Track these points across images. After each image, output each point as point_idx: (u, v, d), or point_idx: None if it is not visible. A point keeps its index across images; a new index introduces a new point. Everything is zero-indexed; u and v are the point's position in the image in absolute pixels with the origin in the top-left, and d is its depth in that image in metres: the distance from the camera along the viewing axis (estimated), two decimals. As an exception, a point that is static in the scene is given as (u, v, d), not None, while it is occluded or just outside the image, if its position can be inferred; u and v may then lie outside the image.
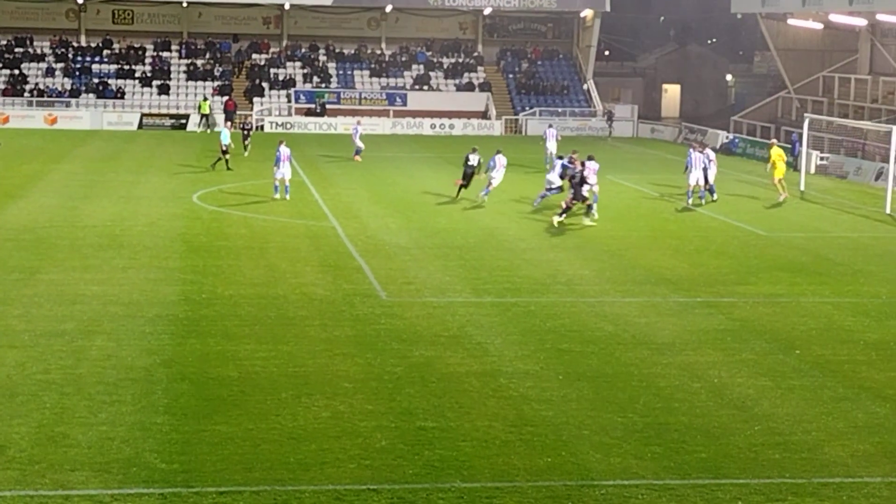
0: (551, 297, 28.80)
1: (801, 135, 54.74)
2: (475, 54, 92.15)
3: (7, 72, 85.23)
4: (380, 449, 17.72)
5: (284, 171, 43.93)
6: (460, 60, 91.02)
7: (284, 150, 43.92)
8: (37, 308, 26.08)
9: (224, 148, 53.48)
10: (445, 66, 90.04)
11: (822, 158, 61.66)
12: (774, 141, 54.35)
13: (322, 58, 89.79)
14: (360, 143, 60.26)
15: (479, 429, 18.77)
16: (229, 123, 70.54)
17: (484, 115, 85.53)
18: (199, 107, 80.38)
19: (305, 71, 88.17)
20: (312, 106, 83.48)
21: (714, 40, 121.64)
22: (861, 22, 73.77)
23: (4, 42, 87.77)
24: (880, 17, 70.63)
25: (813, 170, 55.93)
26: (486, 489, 16.29)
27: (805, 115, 57.43)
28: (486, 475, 16.83)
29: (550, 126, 64.32)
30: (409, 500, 15.83)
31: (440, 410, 19.64)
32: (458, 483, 16.47)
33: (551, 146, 57.69)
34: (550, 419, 19.39)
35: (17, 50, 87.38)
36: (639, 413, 19.79)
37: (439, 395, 20.50)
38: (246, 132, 62.56)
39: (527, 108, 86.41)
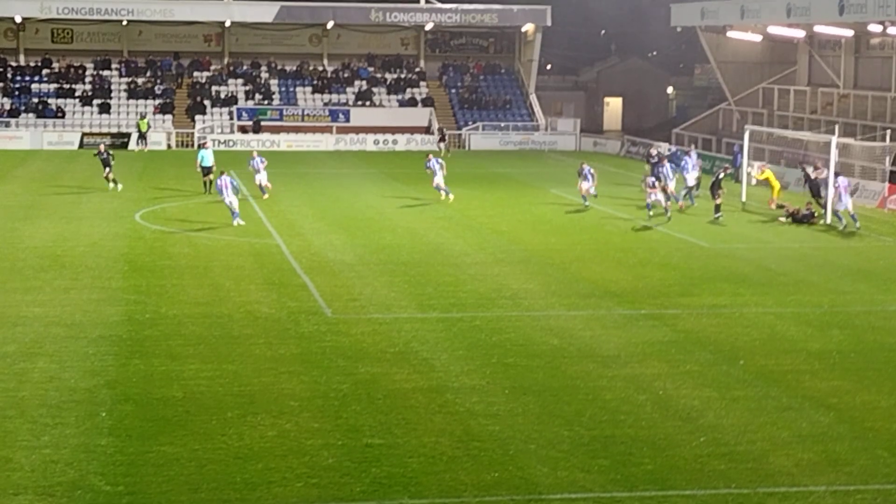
0: (497, 312, 28.84)
1: (742, 146, 55.16)
2: (417, 69, 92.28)
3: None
4: (327, 467, 17.67)
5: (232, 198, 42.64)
6: (402, 76, 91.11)
7: (225, 179, 42.74)
8: (-22, 331, 25.83)
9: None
10: (388, 82, 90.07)
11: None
12: (765, 164, 54.28)
13: (264, 75, 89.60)
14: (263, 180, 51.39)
15: (426, 445, 18.75)
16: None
17: (427, 129, 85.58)
18: (138, 125, 79.92)
19: (247, 88, 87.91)
20: (249, 123, 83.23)
21: (655, 53, 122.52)
22: (799, 34, 74.55)
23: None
24: (818, 28, 71.39)
25: (754, 182, 56.25)
26: (434, 505, 16.29)
27: (745, 126, 57.90)
28: (433, 491, 16.81)
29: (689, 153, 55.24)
30: (357, 518, 15.79)
31: (387, 427, 19.61)
32: (406, 500, 16.45)
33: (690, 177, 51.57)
34: (497, 434, 19.41)
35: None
36: (585, 426, 19.85)
37: (386, 411, 20.47)
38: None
39: (470, 123, 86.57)
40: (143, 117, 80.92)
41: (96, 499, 16.25)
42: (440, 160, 50.15)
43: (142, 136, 79.24)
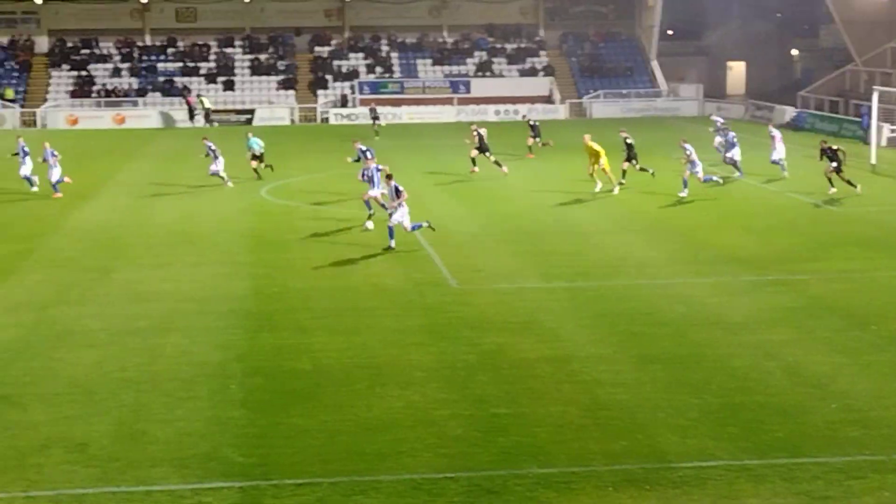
0: (622, 280, 28.70)
1: (870, 108, 54.02)
2: (537, 39, 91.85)
3: (75, 73, 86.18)
4: (455, 437, 17.77)
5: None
6: (522, 45, 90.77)
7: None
8: (112, 307, 26.38)
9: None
10: (508, 52, 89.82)
11: (893, 131, 60.86)
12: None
13: (384, 48, 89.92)
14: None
15: (553, 414, 18.76)
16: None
17: (548, 99, 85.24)
18: (201, 103, 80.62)
19: (368, 62, 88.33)
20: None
21: (779, 15, 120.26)
22: (929, -10, 72.74)
23: (71, 44, 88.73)
24: (948, -16, 69.60)
25: (884, 143, 55.16)
26: (563, 474, 16.29)
27: (874, 87, 56.65)
28: (562, 460, 16.82)
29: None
30: (486, 488, 15.86)
31: (513, 397, 19.66)
32: (535, 469, 16.48)
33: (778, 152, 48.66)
34: (625, 402, 19.34)
35: (83, 51, 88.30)
36: (713, 394, 19.69)
37: (512, 381, 20.51)
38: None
39: (591, 91, 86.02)
40: (199, 96, 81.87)
41: (229, 470, 16.53)
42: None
43: (207, 113, 79.94)
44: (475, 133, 49.46)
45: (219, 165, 45.92)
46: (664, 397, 19.54)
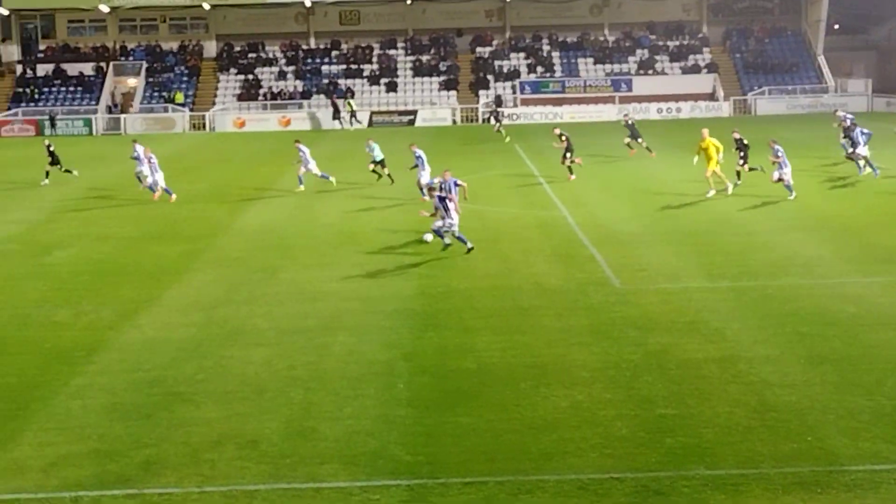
0: (789, 280, 28.23)
1: None
2: (700, 35, 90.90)
3: (242, 77, 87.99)
4: (620, 437, 17.69)
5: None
6: (685, 42, 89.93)
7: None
8: (280, 306, 26.86)
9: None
10: (670, 49, 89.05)
11: None
12: None
13: (545, 47, 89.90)
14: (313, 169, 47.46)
15: (720, 415, 18.54)
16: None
17: (711, 96, 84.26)
18: (349, 105, 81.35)
19: (529, 61, 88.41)
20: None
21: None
22: None
23: (238, 48, 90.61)
24: None
25: None
26: (731, 476, 16.09)
27: None
28: (729, 462, 16.62)
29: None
30: (653, 489, 15.76)
31: (680, 397, 19.49)
32: (702, 470, 16.32)
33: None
34: (794, 404, 19.03)
35: (250, 55, 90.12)
36: (887, 396, 19.24)
37: (678, 381, 20.33)
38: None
39: (755, 88, 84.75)
40: (350, 97, 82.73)
41: (397, 468, 16.70)
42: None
43: (353, 115, 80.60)
44: (562, 136, 48.72)
45: (312, 168, 46.46)
46: (834, 399, 19.17)
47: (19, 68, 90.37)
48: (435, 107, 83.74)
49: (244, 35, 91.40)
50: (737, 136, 44.04)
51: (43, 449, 17.66)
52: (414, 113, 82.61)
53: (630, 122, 56.49)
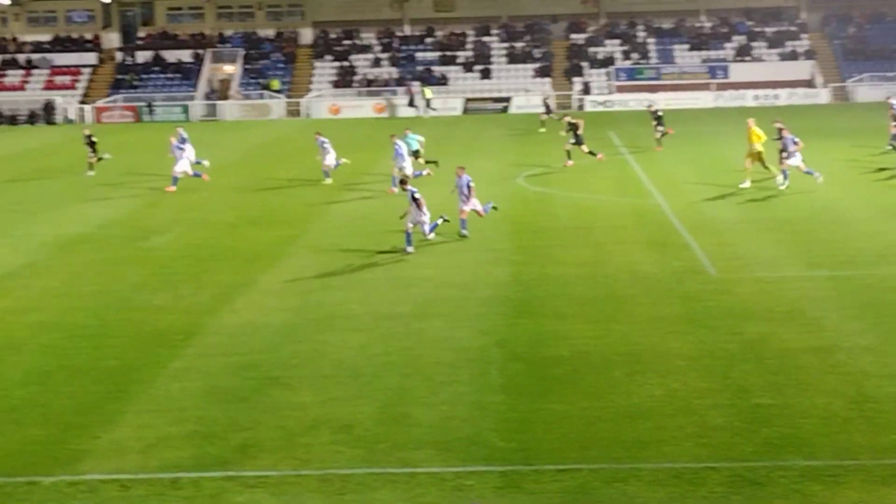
0: (890, 269, 27.80)
1: None
2: (798, 21, 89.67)
3: (337, 64, 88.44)
4: (716, 427, 17.57)
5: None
6: (782, 29, 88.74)
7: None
8: (375, 292, 27.00)
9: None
10: (767, 36, 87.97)
11: None
12: None
13: (641, 34, 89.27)
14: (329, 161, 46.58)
15: (818, 406, 18.34)
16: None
17: (809, 83, 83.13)
18: (423, 92, 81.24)
19: (624, 48, 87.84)
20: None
21: None
22: None
23: (334, 35, 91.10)
24: None
25: None
26: (829, 467, 15.92)
27: None
28: (827, 453, 16.44)
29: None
30: (749, 479, 15.63)
31: (777, 387, 19.30)
32: (800, 461, 16.16)
33: None
34: (893, 395, 18.77)
35: (345, 42, 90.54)
36: None
37: (775, 371, 20.14)
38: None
39: (854, 75, 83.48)
40: (426, 85, 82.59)
41: (491, 454, 16.73)
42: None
43: (428, 103, 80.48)
44: (571, 123, 48.37)
45: (329, 160, 45.88)
46: (935, 391, 18.89)
47: (119, 55, 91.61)
48: (529, 94, 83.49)
49: (339, 22, 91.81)
50: (779, 125, 43.36)
51: (143, 431, 17.95)
52: (507, 100, 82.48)
53: (657, 112, 55.32)
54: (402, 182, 33.11)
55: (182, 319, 24.78)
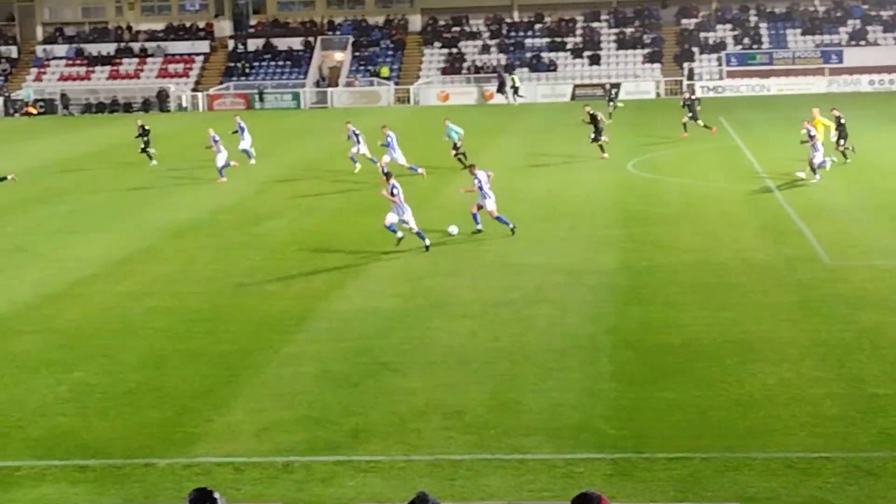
0: None
1: None
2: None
3: (446, 51, 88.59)
4: (830, 416, 17.34)
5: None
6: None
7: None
8: (484, 278, 27.05)
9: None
10: (884, 19, 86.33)
11: None
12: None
13: (753, 19, 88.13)
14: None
15: (936, 396, 18.03)
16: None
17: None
18: (512, 80, 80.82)
19: (736, 33, 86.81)
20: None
21: None
22: None
23: (443, 22, 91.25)
24: None
25: None
26: (948, 459, 15.65)
27: None
28: (945, 444, 16.16)
29: None
30: (865, 469, 15.41)
31: (893, 377, 19.00)
32: (917, 452, 15.90)
33: None
34: None
35: (454, 29, 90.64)
36: None
37: (892, 361, 19.83)
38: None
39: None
40: (512, 71, 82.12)
41: (601, 441, 16.69)
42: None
43: (515, 90, 80.00)
44: (592, 114, 47.90)
45: (361, 149, 45.73)
46: None
47: (231, 43, 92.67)
48: (638, 80, 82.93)
49: (448, 9, 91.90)
50: (836, 113, 42.51)
51: (256, 414, 18.18)
52: (617, 86, 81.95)
53: (692, 99, 54.39)
54: (387, 175, 31.41)
55: (294, 304, 25.05)
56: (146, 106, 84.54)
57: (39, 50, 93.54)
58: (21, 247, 32.87)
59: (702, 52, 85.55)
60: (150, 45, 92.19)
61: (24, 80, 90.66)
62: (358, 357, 21.02)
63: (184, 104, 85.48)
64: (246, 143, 49.01)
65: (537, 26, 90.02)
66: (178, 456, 16.51)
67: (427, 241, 30.19)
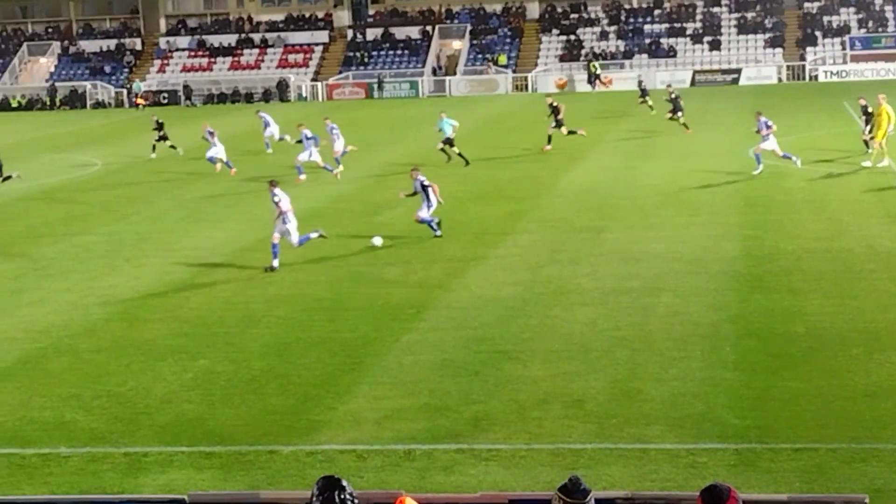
0: None
1: None
2: None
3: (564, 38, 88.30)
4: (961, 407, 16.96)
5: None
6: None
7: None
8: (604, 266, 26.90)
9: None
10: None
11: None
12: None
13: (878, 1, 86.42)
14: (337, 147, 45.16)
15: None
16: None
17: None
18: (593, 67, 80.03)
19: (860, 16, 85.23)
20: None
21: None
22: None
23: (560, 10, 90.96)
24: None
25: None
26: None
27: None
28: None
29: None
30: None
31: None
32: None
33: None
34: None
35: (572, 16, 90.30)
36: None
37: None
38: None
39: None
40: (594, 59, 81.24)
41: (724, 431, 16.50)
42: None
43: (596, 78, 79.10)
44: (552, 106, 47.51)
45: (338, 147, 44.60)
46: None
47: (350, 33, 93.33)
48: (760, 65, 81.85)
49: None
50: (863, 102, 41.34)
51: (377, 402, 18.28)
52: (738, 72, 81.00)
53: (674, 95, 53.11)
54: (272, 182, 29.25)
55: (413, 293, 25.16)
56: (266, 96, 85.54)
57: (163, 42, 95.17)
58: (146, 236, 33.47)
59: (825, 37, 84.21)
60: (271, 36, 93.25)
61: (148, 72, 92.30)
62: (478, 345, 21.04)
63: (303, 94, 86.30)
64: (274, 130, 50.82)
65: (656, 12, 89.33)
66: (302, 443, 16.67)
67: (275, 263, 27.75)
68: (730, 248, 28.26)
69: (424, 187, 30.97)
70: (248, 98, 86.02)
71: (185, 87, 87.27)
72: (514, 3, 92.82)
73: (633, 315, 22.63)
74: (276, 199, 28.64)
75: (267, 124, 52.04)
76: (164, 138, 51.15)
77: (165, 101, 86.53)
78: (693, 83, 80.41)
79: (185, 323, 23.64)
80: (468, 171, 43.17)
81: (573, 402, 17.83)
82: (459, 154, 44.91)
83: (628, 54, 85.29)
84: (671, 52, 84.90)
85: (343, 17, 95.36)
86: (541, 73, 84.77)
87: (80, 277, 28.23)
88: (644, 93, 63.40)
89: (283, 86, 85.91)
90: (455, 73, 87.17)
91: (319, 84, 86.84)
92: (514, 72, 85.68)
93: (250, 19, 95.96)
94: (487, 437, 16.66)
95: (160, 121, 51.85)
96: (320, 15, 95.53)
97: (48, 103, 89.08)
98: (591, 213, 33.53)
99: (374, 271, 27.54)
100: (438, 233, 30.62)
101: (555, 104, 48.21)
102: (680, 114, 52.11)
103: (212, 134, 45.62)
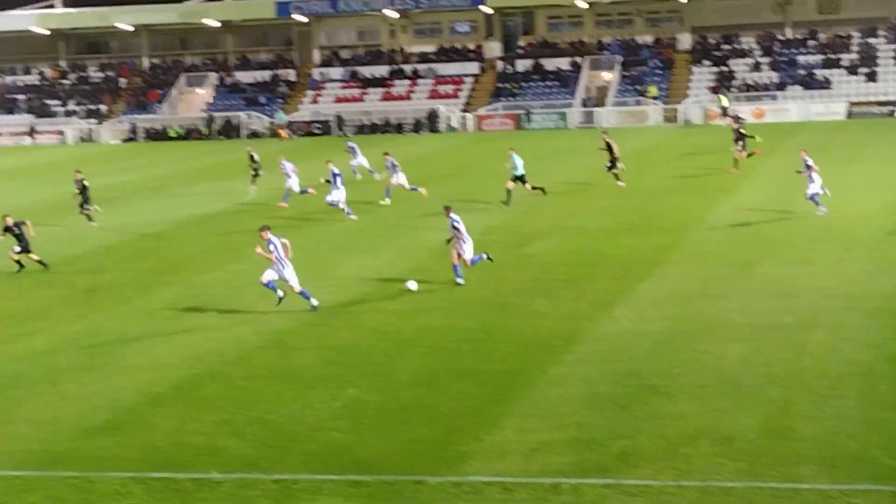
0: None
1: None
2: None
3: (715, 68, 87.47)
4: None
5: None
6: None
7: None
8: (755, 301, 26.52)
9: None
10: None
11: None
12: None
13: None
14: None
15: None
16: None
17: None
18: (719, 99, 78.38)
19: None
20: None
21: None
22: None
23: (712, 40, 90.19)
24: None
25: None
26: None
27: None
28: None
29: None
30: None
31: None
32: None
33: None
34: None
35: (724, 47, 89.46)
36: None
37: None
38: None
39: None
40: (720, 92, 79.58)
41: (879, 472, 16.12)
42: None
43: (724, 111, 77.39)
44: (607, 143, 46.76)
45: (397, 180, 45.73)
46: None
47: (500, 64, 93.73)
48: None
49: (719, 27, 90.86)
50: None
51: (525, 435, 18.25)
52: (894, 104, 79.31)
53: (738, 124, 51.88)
54: (264, 228, 28.39)
55: (562, 325, 25.09)
56: (417, 127, 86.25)
57: (316, 73, 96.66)
58: (298, 265, 33.89)
59: None
60: (422, 67, 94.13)
61: (301, 103, 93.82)
62: (626, 379, 20.90)
63: (453, 124, 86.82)
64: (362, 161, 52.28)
65: (811, 42, 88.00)
66: (449, 474, 16.71)
67: (315, 302, 27.41)
68: (887, 284, 27.64)
69: (455, 227, 30.18)
70: (399, 128, 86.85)
71: (338, 117, 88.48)
72: (665, 35, 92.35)
73: (786, 351, 22.26)
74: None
75: (355, 154, 52.94)
76: (256, 171, 51.92)
77: (318, 131, 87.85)
78: (849, 115, 78.96)
79: (335, 351, 23.91)
80: (618, 203, 42.97)
81: (723, 439, 17.59)
82: (533, 188, 44.41)
83: (781, 86, 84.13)
84: (826, 84, 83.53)
85: (494, 48, 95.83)
86: (692, 104, 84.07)
87: (233, 305, 28.74)
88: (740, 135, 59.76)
89: (433, 116, 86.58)
90: (604, 105, 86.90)
91: (469, 115, 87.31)
92: (664, 103, 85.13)
93: (402, 51, 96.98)
94: (635, 472, 16.52)
95: (254, 154, 52.50)
96: (471, 46, 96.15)
97: (205, 133, 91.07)
98: (741, 247, 33.09)
99: (523, 303, 27.53)
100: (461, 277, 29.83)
101: (608, 140, 47.69)
102: (741, 144, 51.05)
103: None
